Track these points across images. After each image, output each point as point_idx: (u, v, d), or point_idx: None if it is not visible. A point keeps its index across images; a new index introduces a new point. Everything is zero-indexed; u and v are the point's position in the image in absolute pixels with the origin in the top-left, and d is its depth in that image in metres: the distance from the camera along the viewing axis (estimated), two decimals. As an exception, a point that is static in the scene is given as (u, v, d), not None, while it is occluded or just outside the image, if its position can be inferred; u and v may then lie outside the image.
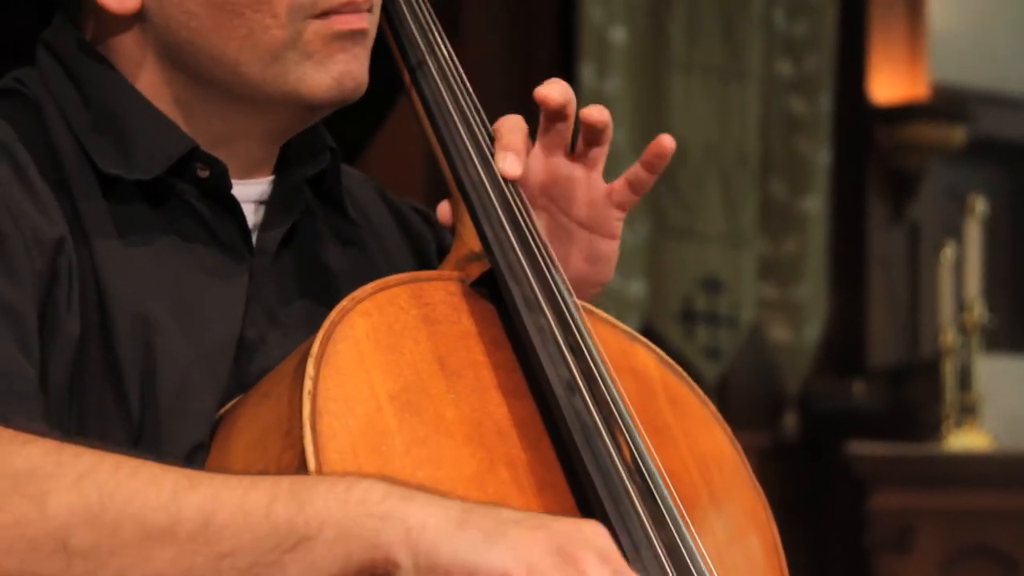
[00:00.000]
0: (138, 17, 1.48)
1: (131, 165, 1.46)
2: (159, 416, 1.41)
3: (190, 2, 1.45)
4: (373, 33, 1.51)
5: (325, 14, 1.46)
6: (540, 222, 1.55)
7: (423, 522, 1.18)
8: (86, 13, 1.51)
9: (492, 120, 1.57)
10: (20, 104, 1.49)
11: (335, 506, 1.19)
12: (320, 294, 1.52)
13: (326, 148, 1.57)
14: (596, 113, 1.55)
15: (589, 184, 1.59)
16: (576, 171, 1.58)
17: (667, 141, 1.58)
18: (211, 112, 1.50)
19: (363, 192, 1.68)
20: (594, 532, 1.20)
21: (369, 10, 1.49)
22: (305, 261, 1.56)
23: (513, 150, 1.51)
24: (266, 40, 1.45)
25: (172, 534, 1.19)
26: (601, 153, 1.58)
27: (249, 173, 1.53)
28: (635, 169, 1.59)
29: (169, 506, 1.20)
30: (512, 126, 1.54)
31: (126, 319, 1.41)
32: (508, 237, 1.48)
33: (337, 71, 1.47)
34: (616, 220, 1.61)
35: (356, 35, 1.48)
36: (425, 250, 1.68)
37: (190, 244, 1.48)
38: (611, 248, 1.61)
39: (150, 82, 1.49)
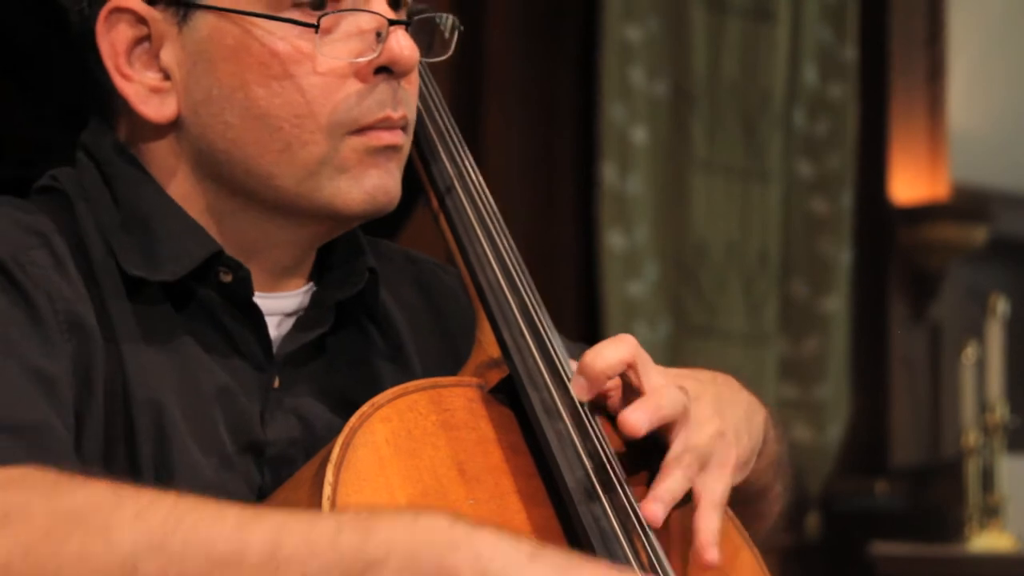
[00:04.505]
0: (174, 125, 1.49)
1: (155, 267, 1.47)
2: None
3: (228, 113, 1.47)
4: (407, 149, 1.52)
5: (362, 130, 1.48)
6: None
7: (493, 551, 1.18)
8: (122, 116, 1.53)
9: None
10: (56, 200, 1.51)
11: (402, 534, 1.19)
12: (349, 403, 1.52)
13: (365, 269, 1.58)
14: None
15: None
16: None
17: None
18: (242, 220, 1.51)
19: (402, 284, 1.68)
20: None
21: (403, 128, 1.51)
22: (336, 373, 1.56)
23: (589, 377, 1.48)
24: (303, 155, 1.47)
25: (239, 563, 1.18)
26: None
27: (278, 284, 1.54)
28: None
29: (234, 536, 1.19)
30: (602, 360, 1.48)
31: (146, 418, 1.42)
32: (527, 343, 1.49)
33: (371, 185, 1.49)
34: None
35: (391, 151, 1.49)
36: (464, 335, 1.68)
37: (210, 349, 1.49)
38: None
39: (182, 188, 1.51)
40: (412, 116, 1.52)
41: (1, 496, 1.22)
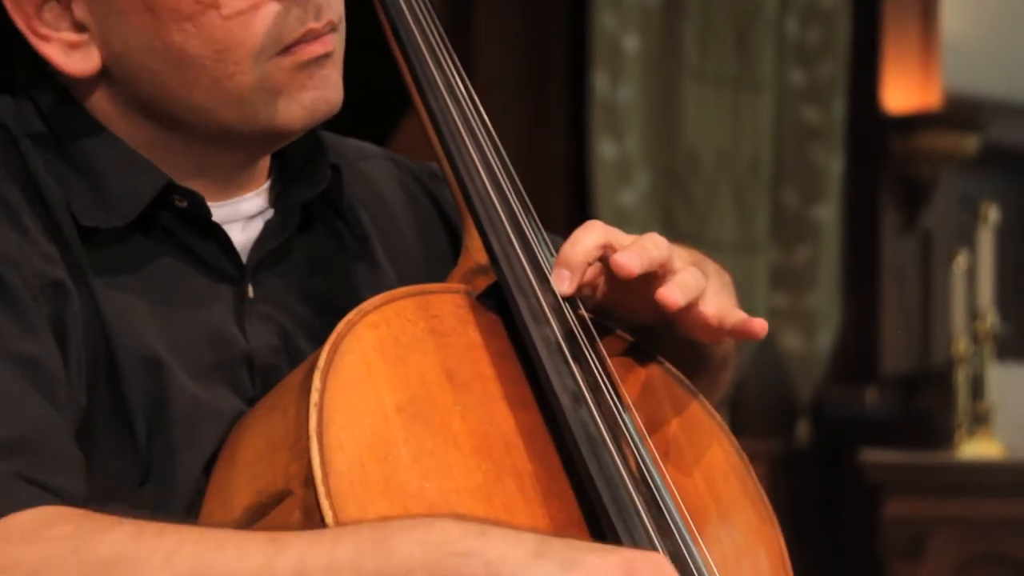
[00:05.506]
0: (103, 74, 1.47)
1: (107, 210, 1.46)
2: (169, 451, 1.41)
3: (150, 60, 1.45)
4: (341, 48, 1.50)
5: (287, 49, 1.45)
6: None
7: (502, 555, 1.21)
8: (52, 71, 1.49)
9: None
10: (1, 136, 1.49)
11: (418, 550, 1.21)
12: (327, 306, 1.53)
13: (327, 167, 1.57)
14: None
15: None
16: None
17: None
18: (187, 150, 1.50)
19: (382, 182, 1.67)
20: (659, 559, 1.25)
21: (333, 30, 1.48)
22: (308, 275, 1.56)
23: (568, 267, 1.47)
24: (233, 86, 1.45)
25: None
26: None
27: (234, 191, 1.54)
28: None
29: (262, 574, 1.22)
30: (579, 247, 1.47)
31: (130, 355, 1.42)
32: (514, 249, 1.48)
33: (308, 100, 1.47)
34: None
35: (323, 59, 1.47)
36: (445, 237, 1.69)
37: (180, 273, 1.48)
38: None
39: (124, 128, 1.49)
40: (340, 12, 1.50)
41: (27, 551, 1.24)
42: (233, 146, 1.50)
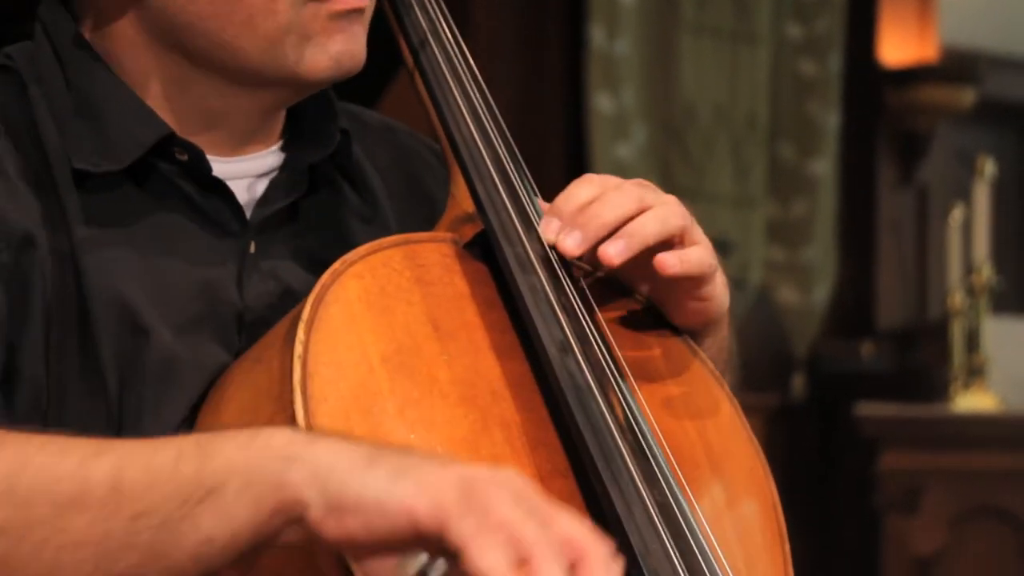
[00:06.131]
0: (135, 1, 1.48)
1: (104, 155, 1.45)
2: (141, 405, 1.41)
3: None
4: (371, 10, 1.51)
5: None
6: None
7: (331, 461, 1.16)
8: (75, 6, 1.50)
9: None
10: (8, 80, 1.49)
11: (239, 455, 1.18)
12: (327, 266, 1.52)
13: (336, 131, 1.57)
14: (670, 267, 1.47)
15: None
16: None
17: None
18: (205, 90, 1.50)
19: (379, 149, 1.67)
20: (510, 475, 1.17)
21: None
22: (313, 235, 1.55)
23: (560, 217, 1.46)
24: (267, 25, 1.45)
25: (83, 502, 1.19)
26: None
27: (245, 147, 1.53)
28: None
29: (77, 474, 1.20)
30: (572, 200, 1.47)
31: (105, 308, 1.41)
32: (501, 197, 1.48)
33: (336, 51, 1.47)
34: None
35: (354, 14, 1.48)
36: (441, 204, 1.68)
37: (178, 226, 1.48)
38: (699, 306, 1.54)
39: (143, 62, 1.49)
40: None
41: None
42: (252, 90, 1.50)
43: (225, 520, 1.18)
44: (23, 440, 1.23)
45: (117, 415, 1.40)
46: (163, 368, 1.42)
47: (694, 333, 1.57)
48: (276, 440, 1.19)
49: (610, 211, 1.45)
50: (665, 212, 1.47)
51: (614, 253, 1.44)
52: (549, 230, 1.46)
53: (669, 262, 1.46)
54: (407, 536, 1.13)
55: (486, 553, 1.10)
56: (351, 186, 1.60)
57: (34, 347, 1.39)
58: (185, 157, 1.48)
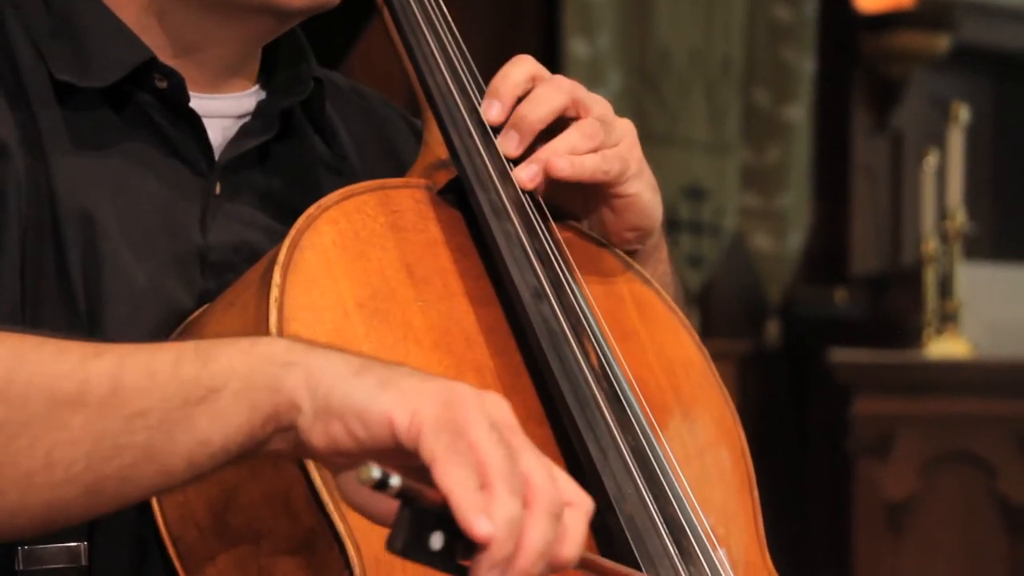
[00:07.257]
0: None
1: (86, 73, 1.45)
2: (105, 324, 1.40)
3: None
4: None
5: None
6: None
7: (323, 368, 1.18)
8: None
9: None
10: None
11: (239, 359, 1.19)
12: (295, 213, 1.52)
13: (309, 77, 1.56)
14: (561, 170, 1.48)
15: None
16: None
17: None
18: (182, 18, 1.49)
19: (349, 111, 1.67)
20: (495, 401, 1.17)
21: None
22: (280, 181, 1.55)
23: (499, 97, 1.48)
24: None
25: (81, 400, 1.19)
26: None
27: (222, 85, 1.53)
28: None
29: (76, 373, 1.20)
30: (508, 79, 1.49)
31: (74, 224, 1.41)
32: (475, 144, 1.47)
33: None
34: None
35: None
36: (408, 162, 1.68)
37: (148, 156, 1.47)
38: (628, 201, 1.54)
39: None
40: None
41: None
42: (227, 20, 1.49)
43: (221, 422, 1.18)
44: (18, 338, 1.22)
45: (87, 331, 1.40)
46: (123, 291, 1.41)
47: (635, 253, 1.57)
48: (276, 347, 1.20)
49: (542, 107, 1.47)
50: (546, 90, 1.48)
51: (526, 178, 1.46)
52: (490, 110, 1.47)
53: (559, 165, 1.47)
54: (387, 445, 1.14)
55: (451, 471, 1.11)
56: (321, 137, 1.59)
57: (11, 258, 1.39)
58: (164, 84, 1.47)
